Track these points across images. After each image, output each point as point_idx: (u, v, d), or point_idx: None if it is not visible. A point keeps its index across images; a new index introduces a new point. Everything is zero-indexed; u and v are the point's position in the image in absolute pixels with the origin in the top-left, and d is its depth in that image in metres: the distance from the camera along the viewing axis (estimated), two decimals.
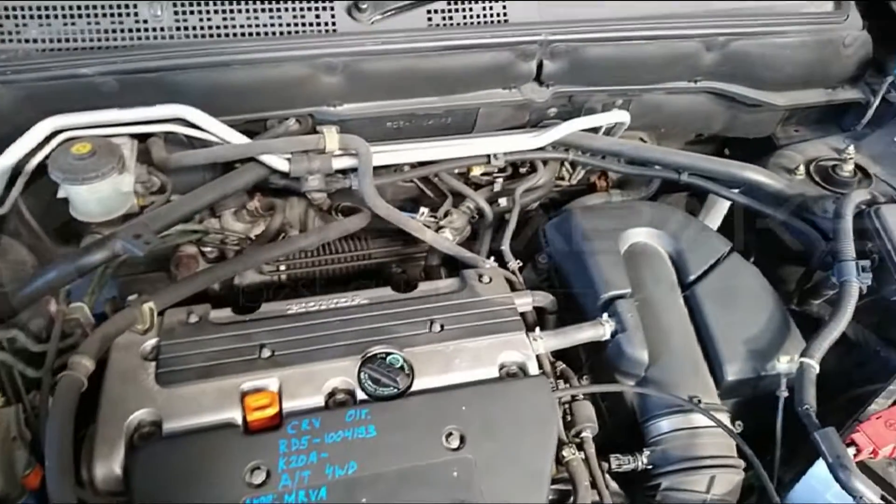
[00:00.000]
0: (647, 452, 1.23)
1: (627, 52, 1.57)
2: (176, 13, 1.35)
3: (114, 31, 1.32)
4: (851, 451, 1.05)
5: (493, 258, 1.51)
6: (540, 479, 1.10)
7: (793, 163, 1.67)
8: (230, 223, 1.63)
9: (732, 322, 1.37)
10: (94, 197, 1.29)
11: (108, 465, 1.05)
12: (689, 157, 1.66)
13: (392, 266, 1.78)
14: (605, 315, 1.34)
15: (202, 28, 1.36)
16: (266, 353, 1.20)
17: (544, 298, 1.43)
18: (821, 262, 1.51)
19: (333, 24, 1.42)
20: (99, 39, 1.32)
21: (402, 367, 1.20)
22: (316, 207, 1.70)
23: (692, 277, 1.46)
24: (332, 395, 1.17)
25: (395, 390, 1.17)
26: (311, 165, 1.47)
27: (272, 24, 1.39)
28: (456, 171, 1.69)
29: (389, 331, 1.25)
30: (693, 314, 1.41)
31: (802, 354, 1.21)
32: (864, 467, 1.09)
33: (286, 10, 1.39)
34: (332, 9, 1.42)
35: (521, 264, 1.51)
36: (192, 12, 1.35)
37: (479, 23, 1.49)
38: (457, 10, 1.49)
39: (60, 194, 1.30)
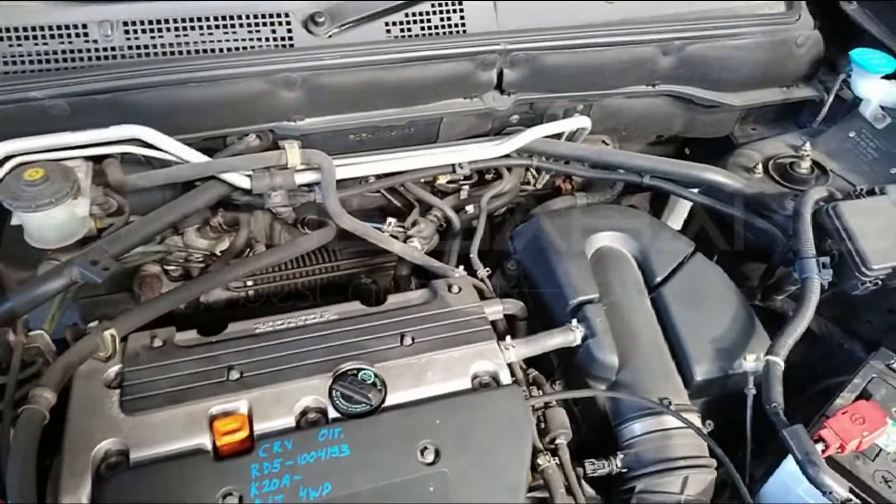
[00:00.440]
0: (620, 456, 1.24)
1: (586, 59, 1.59)
2: (127, 33, 1.32)
3: (63, 52, 1.29)
4: (820, 447, 1.07)
5: (461, 266, 1.51)
6: (516, 488, 1.10)
7: (751, 161, 1.69)
8: (194, 240, 1.60)
9: (699, 322, 1.39)
10: (49, 223, 1.26)
11: (76, 498, 1.02)
12: (651, 159, 1.68)
13: (362, 277, 1.77)
14: (574, 321, 1.34)
15: (155, 47, 1.34)
16: (234, 374, 1.18)
17: (514, 306, 1.43)
18: (782, 259, 1.54)
19: (290, 38, 1.41)
20: (48, 61, 1.29)
21: (374, 383, 1.19)
22: (282, 221, 1.68)
23: (658, 279, 1.47)
24: (303, 414, 1.15)
25: (368, 407, 1.16)
26: (274, 182, 1.45)
27: (227, 41, 1.37)
28: (422, 180, 1.69)
29: (360, 346, 1.24)
30: (660, 316, 1.42)
31: (768, 352, 1.23)
32: (832, 462, 1.11)
33: (241, 25, 1.38)
34: (288, 23, 1.41)
35: (489, 272, 1.51)
36: (143, 31, 1.33)
37: (437, 34, 1.49)
38: (415, 22, 1.48)
39: (14, 221, 1.27)
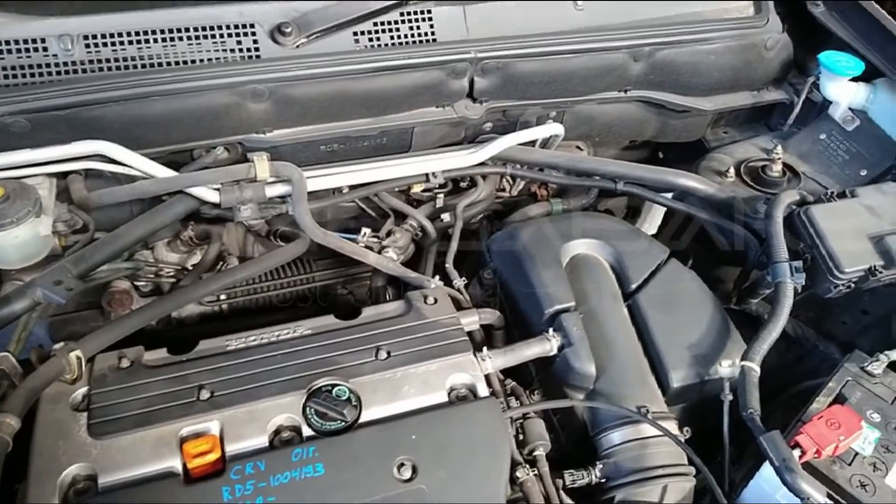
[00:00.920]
0: (599, 466, 1.23)
1: (557, 66, 1.59)
2: (88, 46, 1.29)
3: (21, 67, 1.26)
4: (796, 453, 1.07)
5: (437, 276, 1.50)
6: (495, 502, 1.09)
7: (723, 165, 1.70)
8: (164, 254, 1.58)
9: (675, 329, 1.39)
10: (11, 244, 1.23)
11: None
12: (624, 165, 1.68)
13: (337, 288, 1.75)
14: (551, 330, 1.34)
15: (116, 60, 1.31)
16: (205, 394, 1.15)
17: (491, 315, 1.42)
18: (756, 262, 1.54)
19: (256, 49, 1.39)
20: (6, 77, 1.26)
21: (348, 399, 1.17)
22: (255, 233, 1.66)
23: (634, 286, 1.47)
24: (277, 433, 1.13)
25: (343, 423, 1.14)
26: (243, 195, 1.42)
27: (191, 53, 1.34)
28: (396, 189, 1.67)
29: (334, 361, 1.22)
30: (637, 323, 1.42)
31: (743, 358, 1.23)
32: (809, 467, 1.11)
33: (206, 37, 1.36)
34: (254, 34, 1.39)
35: (466, 281, 1.49)
36: (105, 44, 1.30)
37: (407, 43, 1.48)
38: (384, 31, 1.47)
39: None
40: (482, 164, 1.64)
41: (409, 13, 1.49)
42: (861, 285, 1.38)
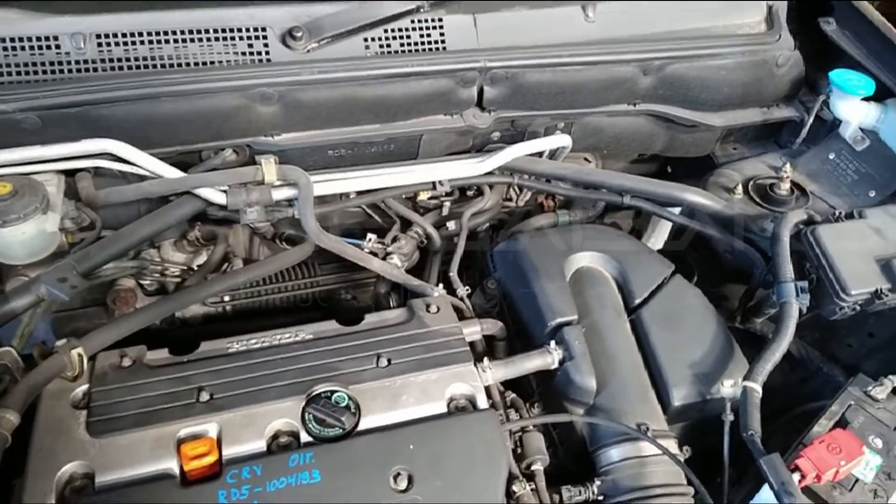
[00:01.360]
0: (597, 482, 1.22)
1: (566, 78, 1.58)
2: (100, 45, 1.30)
3: (34, 64, 1.27)
4: (796, 476, 1.06)
5: (441, 285, 1.49)
6: None
7: (731, 182, 1.69)
8: (170, 254, 1.58)
9: (678, 346, 1.38)
10: (18, 239, 1.24)
11: None
12: (632, 179, 1.67)
13: (342, 293, 1.75)
14: (552, 343, 1.33)
15: (128, 60, 1.32)
16: (205, 396, 1.15)
17: (493, 326, 1.41)
18: (761, 281, 1.54)
19: (267, 53, 1.40)
20: (18, 73, 1.27)
21: (347, 406, 1.16)
22: (261, 235, 1.66)
23: (637, 301, 1.46)
24: (274, 438, 1.13)
25: (341, 431, 1.13)
26: (250, 198, 1.43)
27: (202, 55, 1.35)
28: (403, 196, 1.67)
29: (334, 367, 1.22)
30: (639, 339, 1.41)
31: (745, 378, 1.22)
32: (808, 492, 1.10)
33: (217, 39, 1.36)
34: (265, 38, 1.39)
35: (469, 291, 1.49)
36: (117, 44, 1.31)
37: (417, 50, 1.48)
38: (395, 38, 1.47)
39: None
40: (489, 173, 1.64)
41: (420, 20, 1.50)
42: (867, 308, 1.37)
